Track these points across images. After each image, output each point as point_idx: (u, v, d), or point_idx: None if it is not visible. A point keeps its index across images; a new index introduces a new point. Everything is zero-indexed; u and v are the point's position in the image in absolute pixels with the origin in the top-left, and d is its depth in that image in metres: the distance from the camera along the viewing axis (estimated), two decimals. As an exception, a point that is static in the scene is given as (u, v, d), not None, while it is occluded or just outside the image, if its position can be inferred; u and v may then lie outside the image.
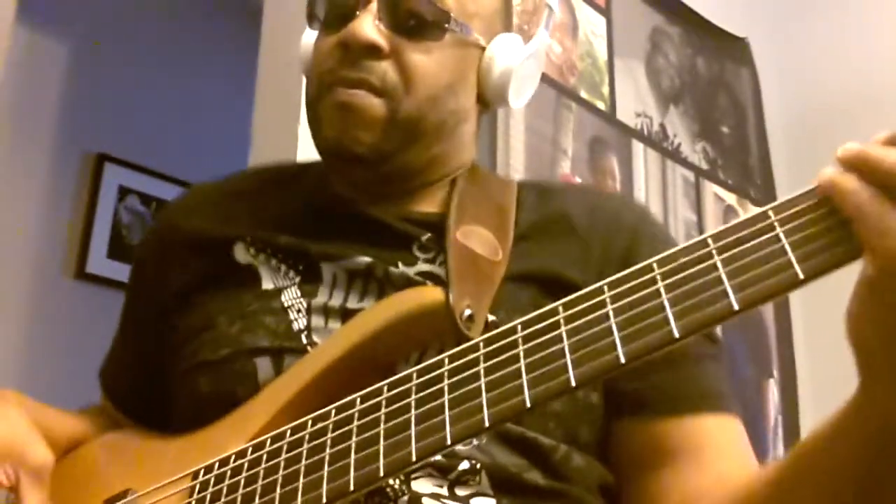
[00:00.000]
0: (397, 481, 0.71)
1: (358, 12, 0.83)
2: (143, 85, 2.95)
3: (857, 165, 0.55)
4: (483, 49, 0.89)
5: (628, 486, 0.81)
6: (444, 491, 0.72)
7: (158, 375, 0.89)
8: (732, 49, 2.52)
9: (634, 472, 0.81)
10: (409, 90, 0.83)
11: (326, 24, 0.87)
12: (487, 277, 0.80)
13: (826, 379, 2.30)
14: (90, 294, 2.75)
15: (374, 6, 0.83)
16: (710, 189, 2.32)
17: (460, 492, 0.72)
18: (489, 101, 0.91)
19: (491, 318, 0.77)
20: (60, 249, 2.75)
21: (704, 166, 2.33)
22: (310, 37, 0.91)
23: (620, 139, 2.11)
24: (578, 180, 1.97)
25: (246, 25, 2.25)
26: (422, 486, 0.72)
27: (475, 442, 0.74)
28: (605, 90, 2.12)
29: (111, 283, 2.77)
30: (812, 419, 2.29)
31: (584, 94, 2.05)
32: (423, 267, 0.82)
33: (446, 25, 0.85)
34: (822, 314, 2.37)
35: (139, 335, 0.96)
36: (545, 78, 1.94)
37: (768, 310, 2.32)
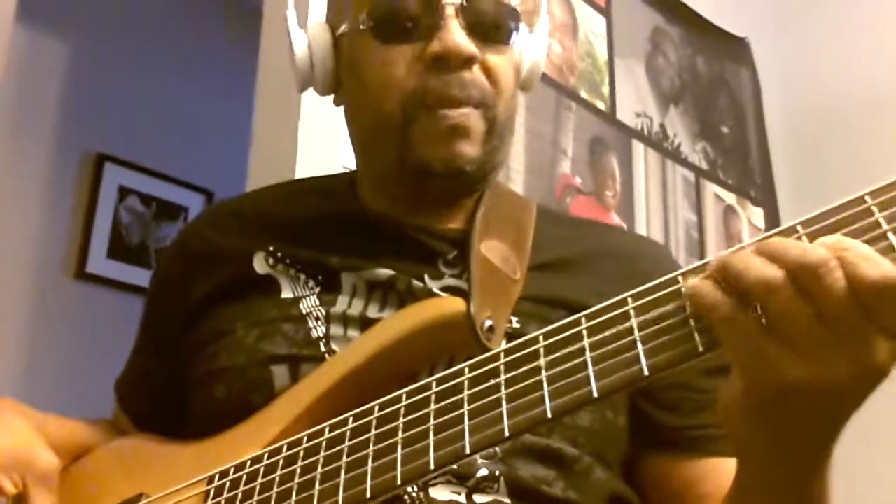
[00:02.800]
0: (415, 488, 0.70)
1: (440, 22, 0.80)
2: (143, 85, 2.95)
3: (720, 276, 0.53)
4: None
5: None
6: (462, 498, 0.71)
7: (176, 391, 0.89)
8: (732, 49, 2.52)
9: None
10: (498, 96, 0.83)
11: (394, 35, 0.82)
12: (506, 293, 0.79)
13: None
14: (90, 294, 2.75)
15: (454, 13, 0.81)
16: (710, 189, 2.32)
17: (478, 499, 0.72)
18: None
19: (516, 324, 0.77)
20: (60, 249, 2.75)
21: (704, 166, 2.33)
22: (302, 44, 0.87)
23: (620, 139, 2.11)
24: (578, 180, 1.96)
25: (246, 25, 2.25)
26: (440, 493, 0.71)
27: (499, 454, 0.73)
28: (605, 90, 2.12)
29: (111, 283, 2.77)
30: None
31: (584, 94, 2.05)
32: (449, 282, 0.82)
33: (517, 26, 0.86)
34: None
35: (159, 350, 0.95)
36: (545, 78, 1.94)
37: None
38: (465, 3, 0.81)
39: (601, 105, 2.09)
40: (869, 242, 0.50)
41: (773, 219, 2.40)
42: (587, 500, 0.76)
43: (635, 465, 0.82)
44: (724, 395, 0.57)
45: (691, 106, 2.37)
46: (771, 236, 0.54)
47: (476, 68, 0.82)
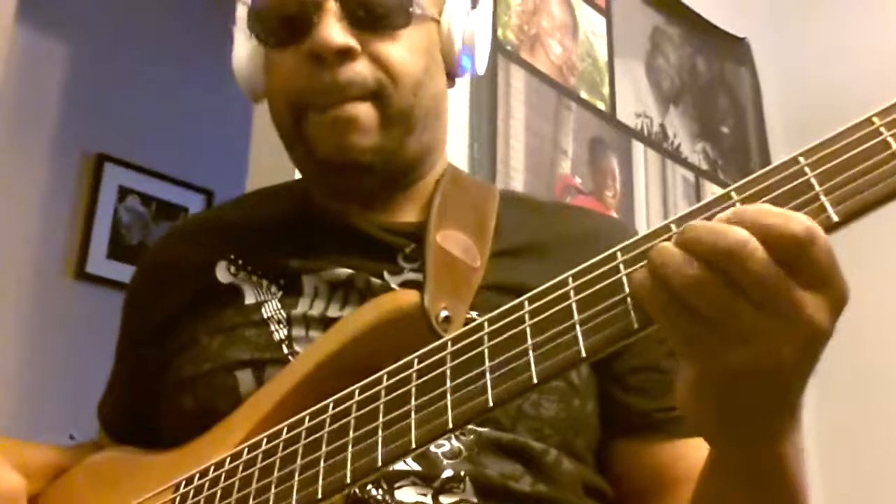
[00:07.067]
0: (380, 491, 0.71)
1: (315, 18, 0.79)
2: (144, 85, 2.95)
3: (652, 270, 0.52)
4: (438, 22, 0.87)
5: None
6: (429, 500, 0.71)
7: (154, 408, 0.89)
8: (732, 49, 2.52)
9: (644, 493, 0.81)
10: (396, 83, 0.81)
11: (280, 39, 0.83)
12: (466, 282, 0.79)
13: (826, 378, 2.30)
14: (90, 294, 2.75)
15: (332, 7, 0.79)
16: (710, 189, 2.32)
17: (445, 500, 0.71)
18: (455, 73, 0.90)
19: (474, 314, 0.76)
20: (60, 249, 2.75)
21: (704, 166, 2.33)
22: (240, 55, 0.88)
23: (620, 139, 2.11)
24: (578, 181, 1.96)
25: (246, 25, 2.25)
26: (406, 494, 0.71)
27: (464, 453, 0.73)
28: (605, 90, 2.12)
29: (111, 283, 2.77)
30: (812, 420, 2.29)
31: (584, 94, 2.04)
32: (409, 276, 0.82)
33: (409, 9, 0.82)
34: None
35: (135, 368, 0.95)
36: (545, 78, 1.94)
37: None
38: None
39: (601, 105, 2.09)
40: (802, 205, 0.51)
41: (773, 219, 2.39)
42: (558, 493, 0.75)
43: (607, 454, 0.82)
44: (678, 383, 0.56)
45: (691, 106, 2.37)
46: (703, 206, 0.54)
47: (364, 60, 0.80)
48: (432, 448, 0.72)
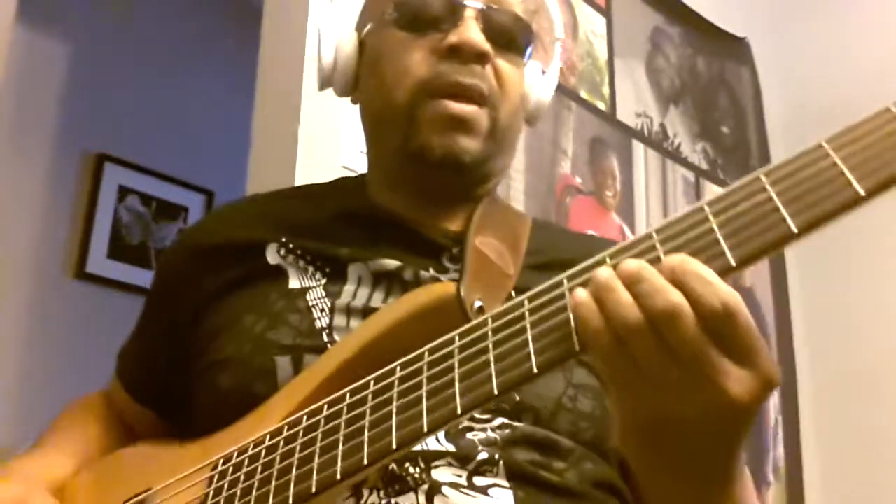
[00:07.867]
0: (418, 469, 0.73)
1: (458, 19, 0.87)
2: (143, 85, 2.95)
3: (599, 305, 0.56)
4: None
5: None
6: (464, 480, 0.74)
7: (181, 374, 0.90)
8: (732, 49, 2.52)
9: None
10: (504, 99, 0.88)
11: (415, 26, 0.88)
12: (499, 283, 0.82)
13: (826, 378, 2.30)
14: (90, 294, 2.75)
15: (472, 14, 0.87)
16: (711, 189, 2.32)
17: (479, 481, 0.74)
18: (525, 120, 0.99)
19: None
20: (60, 249, 2.75)
21: (704, 166, 2.33)
22: (344, 34, 0.93)
23: (620, 139, 2.11)
24: (578, 180, 1.96)
25: (246, 25, 2.25)
26: (442, 474, 0.73)
27: (499, 442, 0.76)
28: (605, 90, 2.12)
29: (111, 283, 2.77)
30: (812, 419, 2.29)
31: (584, 94, 2.05)
32: (453, 276, 0.85)
33: (529, 46, 0.92)
34: (822, 312, 2.38)
35: (166, 340, 0.95)
36: (545, 78, 1.94)
37: (769, 309, 2.32)
38: (485, 10, 0.88)
39: (601, 105, 2.09)
40: (828, 181, 0.54)
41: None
42: (583, 488, 0.78)
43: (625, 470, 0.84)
44: (613, 417, 0.61)
45: (691, 106, 2.37)
46: (629, 246, 0.59)
47: (488, 68, 0.87)
48: (468, 436, 0.75)
